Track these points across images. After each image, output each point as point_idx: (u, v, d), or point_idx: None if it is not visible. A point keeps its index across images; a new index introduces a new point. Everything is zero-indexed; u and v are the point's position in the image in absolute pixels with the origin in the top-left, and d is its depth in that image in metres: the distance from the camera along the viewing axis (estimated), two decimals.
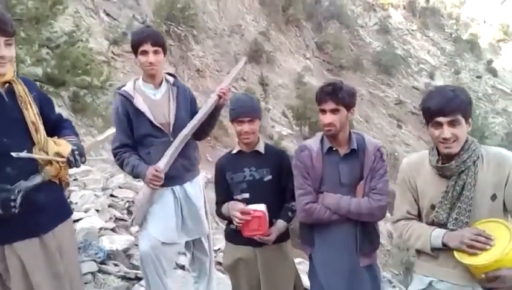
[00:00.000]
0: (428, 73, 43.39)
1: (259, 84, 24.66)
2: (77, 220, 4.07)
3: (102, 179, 5.68)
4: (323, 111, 2.17)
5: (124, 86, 2.64)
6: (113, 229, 4.35)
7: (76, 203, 4.57)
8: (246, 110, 2.34)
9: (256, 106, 2.43)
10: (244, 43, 27.37)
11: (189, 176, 2.70)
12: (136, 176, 2.61)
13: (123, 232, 4.42)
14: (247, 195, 2.39)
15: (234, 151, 2.49)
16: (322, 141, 2.26)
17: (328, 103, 2.14)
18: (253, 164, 2.41)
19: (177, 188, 2.64)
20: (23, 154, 1.84)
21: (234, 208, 2.31)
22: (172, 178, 2.57)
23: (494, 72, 52.93)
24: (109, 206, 4.85)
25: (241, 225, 2.28)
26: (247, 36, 28.09)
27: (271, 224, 2.33)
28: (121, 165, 2.60)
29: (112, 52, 15.81)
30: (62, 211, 2.09)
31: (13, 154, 1.80)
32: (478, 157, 1.84)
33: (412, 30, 50.92)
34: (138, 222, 2.60)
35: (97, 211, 4.49)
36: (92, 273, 3.39)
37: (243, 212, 2.25)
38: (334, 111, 2.14)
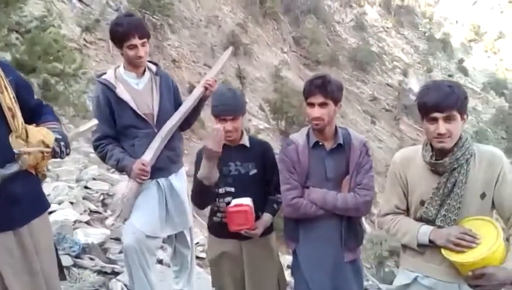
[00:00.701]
0: (402, 71, 44.27)
1: (237, 77, 24.55)
2: (50, 213, 3.92)
3: (76, 170, 5.52)
4: (312, 105, 2.13)
5: (104, 74, 2.53)
6: (87, 222, 4.23)
7: (49, 195, 4.41)
8: (229, 108, 2.25)
9: (240, 102, 2.33)
10: (221, 34, 27.15)
11: (174, 167, 2.64)
12: (121, 170, 2.52)
13: (98, 225, 4.30)
14: (232, 189, 2.33)
15: None
16: (308, 135, 2.23)
17: (317, 96, 2.10)
18: (239, 158, 2.36)
19: (162, 180, 2.57)
20: (23, 149, 1.72)
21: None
22: (157, 170, 2.50)
23: (465, 71, 54.57)
24: (83, 198, 4.71)
25: (227, 220, 2.24)
26: (224, 27, 27.87)
27: (257, 218, 2.29)
28: (103, 158, 2.49)
29: (84, 39, 15.35)
30: (39, 204, 1.95)
31: (15, 150, 1.69)
32: (471, 155, 1.84)
33: (387, 28, 51.78)
34: (126, 216, 2.50)
35: (71, 203, 4.36)
36: (67, 267, 3.27)
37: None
38: (322, 105, 2.11)
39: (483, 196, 1.83)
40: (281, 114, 24.09)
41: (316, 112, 2.11)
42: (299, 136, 2.25)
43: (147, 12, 19.62)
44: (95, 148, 2.53)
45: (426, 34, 56.69)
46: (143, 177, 2.40)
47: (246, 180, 2.34)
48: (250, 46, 29.06)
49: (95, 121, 2.18)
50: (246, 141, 2.39)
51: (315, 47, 35.47)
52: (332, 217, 2.18)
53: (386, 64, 43.90)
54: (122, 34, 2.37)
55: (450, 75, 49.52)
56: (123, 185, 4.94)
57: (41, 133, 1.84)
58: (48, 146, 1.83)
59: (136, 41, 2.38)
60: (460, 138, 1.83)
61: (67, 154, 1.93)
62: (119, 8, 17.98)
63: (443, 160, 1.83)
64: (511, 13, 70.47)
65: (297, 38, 36.16)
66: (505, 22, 69.98)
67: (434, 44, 54.87)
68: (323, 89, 2.09)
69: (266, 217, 2.35)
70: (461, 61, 57.46)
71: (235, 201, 2.25)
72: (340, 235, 2.21)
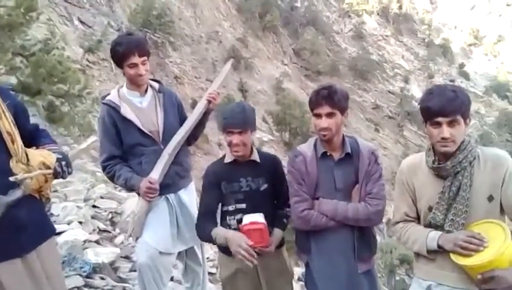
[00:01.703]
0: (403, 77, 44.36)
1: (239, 91, 24.69)
2: (60, 233, 3.94)
3: (84, 189, 5.54)
4: (319, 115, 2.11)
5: (108, 94, 2.56)
6: (97, 241, 4.23)
7: (58, 215, 4.44)
8: (236, 122, 2.23)
9: (248, 116, 2.28)
10: (222, 49, 27.39)
11: (183, 182, 2.64)
12: (130, 189, 2.53)
13: (107, 244, 4.30)
14: (243, 205, 2.31)
15: (227, 160, 2.37)
16: (315, 145, 2.22)
17: (324, 107, 2.09)
18: (249, 173, 2.34)
19: (171, 196, 2.57)
20: (21, 176, 1.71)
21: (237, 242, 2.09)
22: (166, 186, 2.50)
23: (466, 76, 54.55)
24: (92, 217, 4.72)
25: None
26: (224, 43, 28.13)
27: (269, 233, 2.28)
28: (112, 178, 2.51)
29: (87, 60, 15.55)
30: (45, 228, 1.93)
31: (11, 178, 1.67)
32: (474, 158, 1.84)
33: (386, 36, 52.03)
34: (138, 235, 2.50)
35: (80, 222, 4.37)
36: (78, 288, 3.27)
37: (248, 252, 2.06)
38: (329, 115, 2.10)
39: (490, 198, 1.82)
40: (284, 126, 24.14)
41: (324, 122, 2.09)
42: (306, 147, 2.23)
43: (148, 30, 19.87)
44: (104, 169, 2.53)
45: (425, 40, 56.87)
46: (150, 195, 2.40)
47: (257, 196, 2.32)
48: (251, 60, 29.29)
49: (94, 138, 2.19)
50: (256, 157, 2.37)
51: (315, 58, 35.71)
52: (343, 227, 2.15)
53: (386, 72, 44.02)
54: (122, 53, 2.39)
55: (451, 80, 49.48)
56: (131, 203, 4.97)
57: (41, 155, 1.84)
58: (49, 167, 1.82)
59: (136, 59, 2.40)
60: (462, 142, 1.83)
61: (70, 173, 1.93)
62: (121, 28, 18.23)
63: (445, 164, 1.83)
64: (509, 16, 70.66)
65: (297, 50, 36.42)
66: (504, 25, 70.12)
67: (434, 50, 55.00)
68: (329, 99, 2.08)
69: (277, 232, 2.33)
70: (462, 65, 57.49)
71: (247, 217, 2.21)
72: (352, 246, 2.17)
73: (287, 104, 25.06)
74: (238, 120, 2.25)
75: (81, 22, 17.70)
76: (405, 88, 42.04)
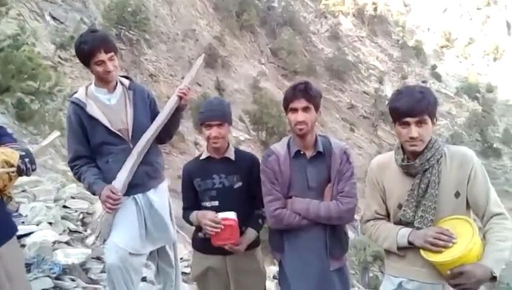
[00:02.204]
0: (378, 78, 45.22)
1: (216, 89, 24.60)
2: (28, 234, 3.81)
3: (54, 189, 5.38)
4: (295, 110, 2.13)
5: (76, 92, 2.47)
6: (67, 243, 4.11)
7: (26, 216, 4.29)
8: (215, 114, 2.27)
9: (226, 109, 2.34)
10: (198, 47, 27.21)
11: (152, 183, 2.56)
12: (93, 194, 2.45)
13: (78, 245, 4.19)
14: (216, 203, 2.31)
15: (203, 157, 2.39)
16: (288, 145, 2.22)
17: (301, 101, 2.11)
18: (223, 170, 2.34)
19: (139, 196, 2.49)
20: None
21: (205, 217, 2.23)
22: (134, 186, 2.42)
23: (438, 77, 56.12)
24: (62, 218, 4.58)
25: (211, 234, 2.22)
26: (201, 41, 27.97)
27: (241, 233, 2.27)
28: (79, 179, 2.44)
29: (59, 56, 15.15)
30: (5, 229, 1.86)
31: None
32: (441, 156, 1.88)
33: (362, 37, 52.91)
34: (105, 237, 2.42)
35: (50, 223, 4.24)
36: None
37: (214, 222, 2.18)
38: (305, 109, 2.12)
39: (457, 195, 1.87)
40: (261, 125, 24.21)
41: (300, 116, 2.11)
42: (279, 147, 2.23)
43: (123, 27, 19.53)
44: (71, 169, 2.46)
45: (399, 42, 58.15)
46: (108, 206, 2.31)
47: (230, 194, 2.32)
48: (228, 59, 29.23)
49: (56, 133, 2.13)
50: (231, 154, 2.37)
51: (292, 58, 35.95)
52: (316, 226, 2.17)
53: (361, 72, 44.75)
54: (88, 51, 2.31)
55: (424, 81, 50.80)
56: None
57: (4, 154, 1.78)
58: (12, 165, 1.77)
59: (103, 56, 2.32)
60: (430, 140, 1.87)
61: (34, 170, 1.88)
62: (94, 25, 17.83)
63: (414, 162, 1.87)
64: (479, 19, 73.05)
65: (275, 49, 36.57)
66: (474, 28, 72.48)
67: (407, 51, 56.31)
68: (306, 93, 2.11)
69: (250, 232, 2.33)
70: (434, 67, 59.10)
71: (219, 215, 2.21)
72: (324, 244, 2.19)
73: (264, 104, 25.14)
74: (217, 112, 2.28)
75: (52, 17, 17.24)
76: (379, 89, 42.85)
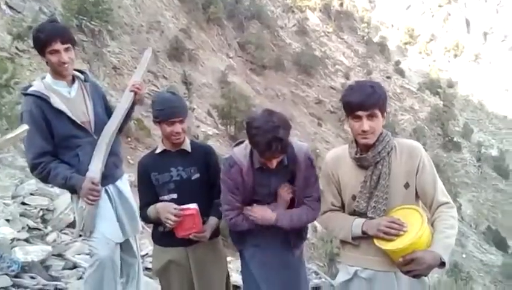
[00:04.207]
0: (344, 74, 45.98)
1: (183, 83, 24.28)
2: None
3: (12, 185, 5.19)
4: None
5: (29, 86, 2.40)
6: (26, 240, 4.00)
7: None
8: (177, 111, 2.27)
9: (185, 104, 2.38)
10: (164, 40, 26.72)
11: (119, 173, 2.61)
12: (69, 189, 2.41)
13: (38, 242, 4.09)
14: (175, 195, 2.32)
15: (158, 151, 2.39)
16: (251, 155, 2.14)
17: None
18: (180, 163, 2.35)
19: (110, 187, 2.51)
20: None
21: (166, 209, 2.22)
22: (105, 177, 2.43)
23: (401, 73, 57.68)
24: (21, 215, 4.45)
25: (174, 225, 2.22)
26: (166, 33, 27.46)
27: (203, 222, 2.30)
28: (45, 178, 2.36)
29: (16, 47, 14.48)
30: None
31: None
32: (391, 149, 1.98)
33: (328, 32, 53.59)
34: (91, 229, 2.39)
35: (7, 220, 4.10)
36: (5, 288, 3.09)
37: (176, 214, 2.19)
38: None
39: (406, 185, 1.97)
40: (229, 119, 24.12)
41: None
42: (242, 157, 2.14)
43: (84, 18, 18.83)
44: (34, 167, 2.35)
45: (365, 38, 59.31)
46: (91, 198, 2.30)
47: (189, 185, 2.33)
48: (195, 52, 28.86)
49: (24, 127, 2.08)
50: (187, 146, 2.39)
51: (260, 52, 35.94)
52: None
53: (328, 67, 45.37)
54: (45, 39, 2.27)
55: (388, 77, 52.11)
56: (65, 199, 4.74)
57: None
58: None
59: (59, 46, 2.29)
60: (381, 134, 1.96)
61: None
62: (54, 14, 17.15)
63: (366, 154, 1.96)
64: (441, 17, 75.48)
65: (242, 43, 36.44)
66: (436, 25, 74.85)
67: (372, 47, 57.52)
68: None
69: (212, 220, 2.36)
70: (398, 63, 60.70)
71: (181, 207, 2.23)
72: (286, 236, 2.23)
73: (233, 98, 25.06)
74: (179, 108, 2.29)
75: (9, 6, 16.44)
76: (346, 84, 43.44)
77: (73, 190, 2.40)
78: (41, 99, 2.32)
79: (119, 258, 2.56)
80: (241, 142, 2.23)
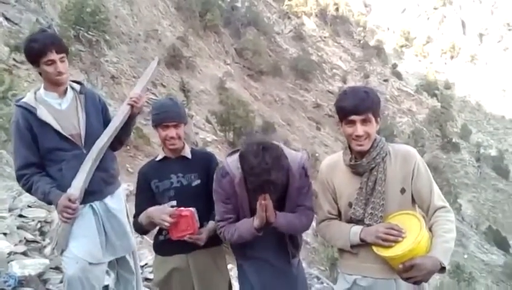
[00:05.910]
0: (341, 77, 46.18)
1: (181, 90, 24.29)
2: None
3: (9, 198, 5.16)
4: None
5: (23, 98, 2.36)
6: (24, 253, 3.96)
7: None
8: (171, 115, 2.26)
9: (182, 110, 2.35)
10: (161, 48, 26.81)
11: (109, 189, 2.51)
12: (48, 203, 2.36)
13: (36, 256, 4.04)
14: (174, 202, 2.29)
15: (159, 158, 2.38)
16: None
17: None
18: (180, 169, 2.33)
19: (96, 203, 2.43)
20: None
21: (161, 211, 2.20)
22: (91, 193, 2.36)
23: (399, 76, 57.88)
24: (18, 228, 4.41)
25: (169, 228, 2.19)
26: (164, 41, 27.55)
27: (201, 227, 2.26)
28: (30, 190, 2.32)
29: (14, 59, 14.48)
30: None
31: None
32: (386, 154, 1.96)
33: (325, 37, 53.85)
34: (63, 247, 2.34)
35: (4, 234, 4.06)
36: None
37: (171, 215, 2.16)
38: None
39: (403, 191, 1.94)
40: (228, 126, 24.11)
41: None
42: (234, 168, 2.08)
43: (82, 28, 18.88)
44: (18, 178, 2.32)
45: (361, 42, 59.63)
46: (66, 216, 2.24)
47: (189, 192, 2.31)
48: (192, 59, 28.94)
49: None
50: (187, 152, 2.37)
51: (257, 58, 36.08)
52: (274, 234, 2.15)
53: (326, 72, 45.54)
54: (39, 49, 2.23)
55: (385, 80, 52.29)
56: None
57: None
58: None
59: (54, 56, 2.25)
60: (375, 140, 1.95)
61: None
62: (51, 26, 17.15)
63: (361, 161, 1.94)
64: (436, 19, 75.93)
65: (240, 50, 36.58)
66: (432, 27, 75.29)
67: (369, 51, 57.76)
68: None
69: (211, 224, 2.31)
70: (395, 66, 60.92)
71: (175, 209, 2.21)
72: (284, 245, 2.20)
73: (231, 104, 25.08)
74: (174, 113, 2.28)
75: (6, 18, 16.48)
76: (343, 88, 43.67)
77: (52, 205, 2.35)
78: (28, 111, 2.29)
79: (102, 277, 2.49)
80: (236, 151, 2.20)
